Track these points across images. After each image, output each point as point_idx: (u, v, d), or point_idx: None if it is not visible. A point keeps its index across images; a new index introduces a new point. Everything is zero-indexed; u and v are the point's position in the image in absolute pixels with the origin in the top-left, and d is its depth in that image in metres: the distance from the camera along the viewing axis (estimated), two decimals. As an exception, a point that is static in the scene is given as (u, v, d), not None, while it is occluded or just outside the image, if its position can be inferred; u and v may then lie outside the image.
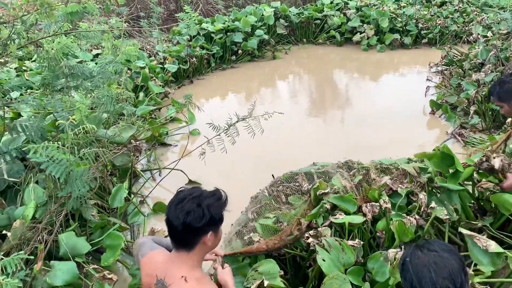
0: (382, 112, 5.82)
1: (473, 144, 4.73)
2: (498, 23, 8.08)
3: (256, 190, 3.38)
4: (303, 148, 4.96)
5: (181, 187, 1.75)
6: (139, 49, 7.55)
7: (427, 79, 6.63)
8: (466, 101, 5.43)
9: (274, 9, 8.98)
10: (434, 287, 1.32)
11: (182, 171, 4.35)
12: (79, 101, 3.40)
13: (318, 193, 2.60)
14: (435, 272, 1.33)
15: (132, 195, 4.05)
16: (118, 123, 4.28)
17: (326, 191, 2.56)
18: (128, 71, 6.35)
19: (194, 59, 7.44)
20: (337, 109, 6.33)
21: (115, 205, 3.49)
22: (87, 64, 5.96)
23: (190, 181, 4.37)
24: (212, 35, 8.09)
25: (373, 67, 8.07)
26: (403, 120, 5.58)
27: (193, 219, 1.58)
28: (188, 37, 7.93)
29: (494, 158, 2.49)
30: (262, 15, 8.76)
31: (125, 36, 5.11)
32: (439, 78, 6.81)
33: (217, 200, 1.66)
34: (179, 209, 1.60)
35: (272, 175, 3.56)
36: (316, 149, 4.89)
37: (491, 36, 7.30)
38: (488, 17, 8.69)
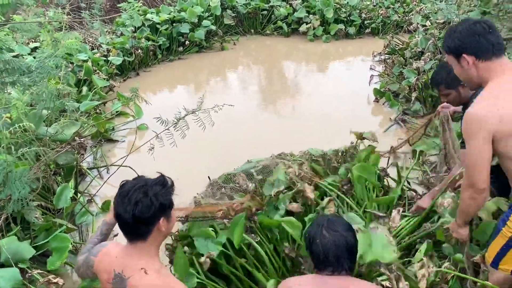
0: (329, 102, 5.95)
1: (415, 129, 4.94)
2: (435, 13, 8.47)
3: (205, 182, 3.36)
4: (256, 140, 4.97)
5: (123, 180, 1.72)
6: (81, 41, 7.24)
7: (371, 68, 6.86)
8: (408, 88, 5.66)
9: (220, -1, 8.89)
10: (337, 259, 1.72)
11: (130, 168, 4.23)
12: (15, 97, 3.22)
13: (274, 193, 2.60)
14: (338, 248, 1.72)
15: (79, 194, 3.89)
16: (60, 120, 4.09)
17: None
18: (70, 65, 6.08)
19: (139, 50, 7.23)
20: (286, 100, 6.40)
21: (61, 205, 3.35)
22: (24, 58, 5.63)
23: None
24: (158, 26, 7.89)
25: (320, 57, 8.23)
26: (349, 108, 5.73)
27: (142, 209, 1.56)
28: (132, 28, 7.69)
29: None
30: (209, 5, 8.65)
31: (65, 29, 4.87)
32: (382, 66, 7.06)
33: (163, 186, 1.64)
34: (126, 202, 1.57)
35: (208, 177, 3.47)
36: (267, 141, 4.90)
37: (430, 26, 7.64)
38: (426, 7, 9.09)
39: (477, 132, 1.75)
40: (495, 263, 1.91)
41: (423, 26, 7.86)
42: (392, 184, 3.50)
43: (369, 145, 3.28)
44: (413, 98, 5.38)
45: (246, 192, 2.67)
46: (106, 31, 8.24)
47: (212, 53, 8.37)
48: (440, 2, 8.00)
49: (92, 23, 7.64)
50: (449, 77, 2.78)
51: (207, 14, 8.55)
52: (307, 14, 9.15)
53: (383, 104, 5.79)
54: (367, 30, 9.07)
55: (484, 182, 1.81)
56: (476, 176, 1.81)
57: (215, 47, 8.56)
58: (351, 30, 8.97)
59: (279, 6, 9.30)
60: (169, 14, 8.18)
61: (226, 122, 5.00)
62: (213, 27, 8.33)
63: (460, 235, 2.10)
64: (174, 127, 3.39)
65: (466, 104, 2.71)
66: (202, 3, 8.63)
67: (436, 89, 3.10)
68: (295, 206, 2.46)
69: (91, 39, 7.67)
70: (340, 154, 3.19)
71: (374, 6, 9.55)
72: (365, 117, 5.58)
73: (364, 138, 3.25)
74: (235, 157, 4.24)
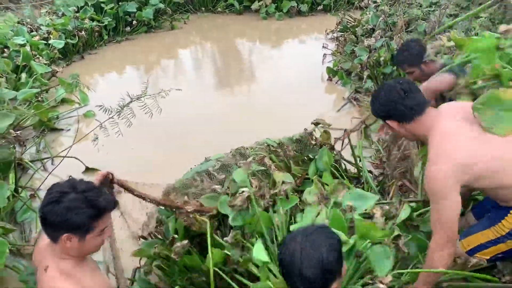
0: (284, 82, 5.89)
1: (367, 108, 4.99)
2: (385, -11, 8.54)
3: (159, 175, 3.19)
4: (210, 125, 4.80)
5: (30, 188, 1.63)
6: (18, 23, 6.75)
7: (323, 47, 6.83)
8: (360, 66, 5.68)
9: (168, -24, 8.52)
10: (288, 275, 1.43)
11: (76, 158, 4.01)
12: None
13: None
14: (291, 263, 1.41)
15: (21, 190, 3.65)
16: (-5, 111, 3.78)
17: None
18: (5, 49, 5.65)
19: (83, 32, 6.83)
20: (241, 82, 6.25)
21: (-2, 205, 3.10)
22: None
23: (88, 169, 4.05)
24: (102, 5, 7.46)
25: (273, 35, 8.11)
26: (304, 88, 5.69)
27: (49, 212, 1.48)
28: (74, 8, 7.22)
29: None
30: (156, -18, 8.27)
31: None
32: (335, 44, 7.05)
33: (85, 205, 1.50)
34: (46, 197, 1.51)
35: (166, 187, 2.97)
36: (223, 127, 4.73)
37: (380, 2, 7.69)
38: (376, -17, 9.14)
39: (446, 190, 1.75)
40: (472, 252, 1.96)
41: (374, 2, 7.89)
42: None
43: (324, 131, 3.23)
44: (365, 77, 5.41)
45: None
46: (46, 11, 7.72)
47: (162, 33, 8.06)
48: (390, -22, 8.04)
49: (30, 2, 7.14)
50: (411, 56, 2.89)
51: (154, -9, 8.17)
52: (259, -9, 8.97)
53: (336, 82, 5.80)
54: (320, 7, 9.01)
55: (455, 238, 1.81)
56: (452, 235, 1.78)
57: (165, 27, 8.24)
58: (304, 7, 8.88)
59: (230, -17, 9.05)
60: (114, -8, 7.75)
61: (179, 107, 4.84)
62: (162, 6, 7.99)
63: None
64: (118, 115, 3.19)
65: None
66: (150, -20, 8.24)
67: (400, 67, 3.17)
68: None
69: (29, 20, 7.14)
70: (295, 141, 3.12)
71: (326, -18, 9.49)
72: (320, 96, 5.57)
73: (318, 124, 3.20)
74: (190, 149, 4.13)
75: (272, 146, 2.95)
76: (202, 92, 5.73)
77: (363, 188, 3.21)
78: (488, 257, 1.94)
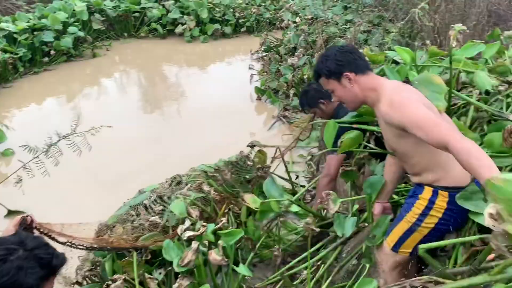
0: (214, 104, 5.91)
1: (296, 124, 5.16)
2: (303, 9, 8.96)
3: (91, 213, 3.05)
4: (141, 155, 4.67)
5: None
6: None
7: (250, 67, 6.98)
8: (286, 84, 5.88)
9: (86, 3, 8.27)
10: None
11: (-3, 202, 3.72)
12: None
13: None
14: None
15: None
16: None
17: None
18: None
19: (-5, 65, 6.40)
20: (171, 108, 6.16)
21: None
22: None
23: (11, 212, 3.76)
24: (16, 35, 7.06)
25: (200, 58, 8.16)
26: (234, 109, 5.76)
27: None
28: (-16, 40, 6.77)
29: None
30: (74, 10, 8.00)
31: None
32: (260, 64, 7.24)
33: (36, 264, 1.36)
34: None
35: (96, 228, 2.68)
36: (155, 156, 4.62)
37: (299, 22, 8.05)
38: (295, 3, 9.56)
39: (420, 106, 1.78)
40: (396, 247, 2.03)
41: (294, 22, 8.25)
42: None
43: (259, 151, 3.29)
44: (291, 94, 5.60)
45: (155, 226, 2.41)
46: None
47: (84, 61, 7.78)
48: (306, -1, 8.48)
49: None
50: (307, 99, 3.04)
51: (72, 19, 7.90)
52: (181, 15, 9.00)
53: (265, 101, 5.94)
54: (243, 29, 9.25)
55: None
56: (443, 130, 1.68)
57: (86, 55, 7.97)
58: (227, 29, 9.05)
59: (151, 7, 8.99)
60: (28, 22, 7.39)
61: (107, 143, 4.65)
62: (81, 33, 7.73)
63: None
64: (45, 154, 3.02)
65: (333, 117, 2.85)
66: (66, 8, 7.95)
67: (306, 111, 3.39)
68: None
69: None
70: (230, 164, 3.13)
71: (247, 4, 9.77)
72: (250, 116, 5.67)
73: (254, 146, 3.26)
74: (124, 185, 3.97)
75: (209, 171, 2.95)
76: (130, 121, 5.56)
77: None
78: (409, 250, 2.00)
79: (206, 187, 2.65)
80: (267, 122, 5.40)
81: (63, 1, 8.36)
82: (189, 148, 4.72)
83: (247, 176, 3.20)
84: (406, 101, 1.80)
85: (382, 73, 3.61)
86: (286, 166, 3.57)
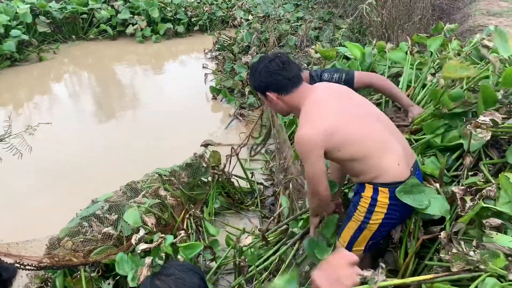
0: (169, 105, 5.84)
1: (253, 121, 5.19)
2: (255, 7, 9.00)
3: (41, 226, 2.92)
4: (94, 161, 4.50)
5: None
6: None
7: (204, 67, 6.94)
8: (241, 83, 5.89)
9: (30, 5, 7.93)
10: None
11: None
12: None
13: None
14: None
15: None
16: None
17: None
18: None
19: None
20: (125, 111, 6.01)
21: None
22: None
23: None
24: (-48, 40, 6.67)
25: (152, 59, 8.02)
26: (190, 109, 5.72)
27: None
28: None
29: None
30: (16, 12, 7.64)
31: None
32: (215, 63, 7.21)
33: None
34: None
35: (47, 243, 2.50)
36: (109, 162, 4.49)
37: (252, 20, 8.08)
38: (247, 1, 9.58)
39: (310, 151, 1.91)
40: (349, 247, 2.07)
41: (246, 20, 8.28)
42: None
43: (213, 151, 3.29)
44: (246, 92, 5.63)
45: (108, 238, 2.31)
46: None
47: (29, 66, 7.45)
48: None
49: None
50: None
51: (15, 22, 7.54)
52: (131, 15, 8.80)
53: (221, 100, 5.93)
54: (196, 28, 9.17)
55: (325, 190, 2.03)
56: (318, 187, 2.01)
57: (32, 59, 7.63)
58: (180, 28, 8.95)
59: (100, 8, 8.73)
60: (-34, 25, 6.98)
61: (55, 145, 4.52)
62: (26, 37, 7.40)
63: (312, 223, 2.30)
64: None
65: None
66: (7, 10, 7.58)
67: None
68: None
69: None
70: (185, 167, 3.11)
71: (199, 3, 9.69)
72: (207, 116, 5.63)
73: (208, 145, 3.25)
74: (76, 194, 3.83)
75: (165, 175, 2.90)
76: (82, 125, 5.39)
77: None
78: (362, 248, 2.05)
79: (162, 192, 2.60)
80: (223, 121, 5.40)
81: (4, 3, 7.95)
82: (145, 151, 4.64)
83: (203, 178, 3.19)
84: (300, 141, 1.95)
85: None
86: (241, 164, 3.60)
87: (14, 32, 7.27)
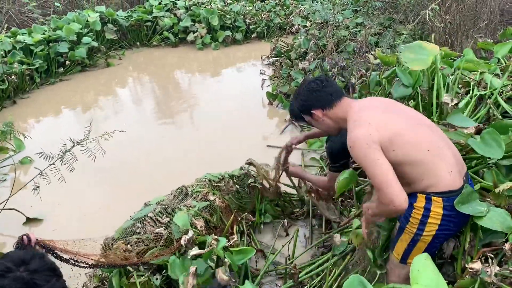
0: (226, 110, 5.96)
1: (308, 128, 5.16)
2: (313, 13, 8.97)
3: (116, 216, 3.10)
4: (152, 163, 4.71)
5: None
6: None
7: (261, 73, 7.02)
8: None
9: (99, 13, 8.44)
10: None
11: (16, 210, 3.79)
12: None
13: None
14: None
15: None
16: None
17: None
18: None
19: (13, 76, 6.54)
20: (184, 115, 6.19)
21: None
22: None
23: (29, 219, 3.84)
24: (32, 47, 7.22)
25: (211, 65, 8.22)
26: (246, 114, 5.80)
27: None
28: (1, 52, 6.93)
29: None
30: (87, 21, 8.16)
31: None
32: (272, 69, 7.27)
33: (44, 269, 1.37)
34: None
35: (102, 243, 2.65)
36: (166, 164, 4.67)
37: (310, 26, 8.06)
38: (305, 8, 9.57)
39: (368, 148, 1.84)
40: (404, 259, 2.03)
41: (304, 27, 8.26)
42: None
43: (259, 168, 3.24)
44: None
45: (159, 239, 2.38)
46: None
47: (97, 71, 7.92)
48: (316, 3, 8.49)
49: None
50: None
51: (86, 30, 8.05)
52: (192, 23, 9.09)
53: (277, 106, 5.96)
54: (254, 35, 9.30)
55: (400, 195, 1.76)
56: (390, 192, 1.77)
57: (100, 64, 8.11)
58: (238, 35, 9.12)
59: (163, 16, 9.11)
60: (44, 34, 7.54)
61: (118, 148, 4.73)
62: (95, 44, 7.88)
63: (368, 223, 2.16)
64: (60, 161, 3.09)
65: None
66: (80, 19, 8.11)
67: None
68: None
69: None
70: (231, 177, 3.13)
71: (257, 10, 9.82)
72: (263, 121, 5.69)
73: (251, 164, 3.24)
74: (132, 192, 4.05)
75: (214, 181, 2.95)
76: (141, 129, 5.63)
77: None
78: None
79: (211, 197, 2.65)
80: (279, 126, 5.42)
81: (76, 12, 8.53)
82: (199, 155, 4.77)
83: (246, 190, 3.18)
84: (354, 142, 1.90)
85: (394, 75, 3.62)
86: (291, 180, 3.52)
87: (85, 39, 7.76)
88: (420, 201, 1.88)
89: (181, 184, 3.10)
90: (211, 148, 4.94)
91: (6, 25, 8.24)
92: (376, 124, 1.89)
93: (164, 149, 5.03)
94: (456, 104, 2.61)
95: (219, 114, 5.87)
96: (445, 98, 2.64)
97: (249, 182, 3.10)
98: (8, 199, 3.65)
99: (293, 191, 3.61)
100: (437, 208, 1.85)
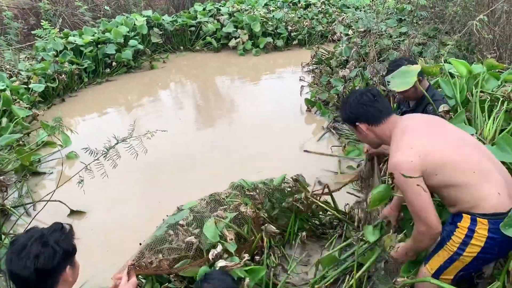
0: (265, 115, 6.01)
1: (346, 136, 5.13)
2: (356, 22, 8.89)
3: (151, 215, 3.20)
4: (190, 165, 4.82)
5: (13, 236, 1.64)
6: (-4, 69, 6.78)
7: (300, 79, 7.03)
8: (336, 96, 5.87)
9: (146, 18, 8.75)
10: None
11: (61, 202, 3.98)
12: None
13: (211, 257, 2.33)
14: None
15: (4, 237, 3.59)
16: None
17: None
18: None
19: (63, 75, 6.88)
20: (223, 118, 6.31)
21: (-23, 256, 3.04)
22: None
23: (72, 212, 4.02)
24: (82, 48, 7.58)
25: (252, 71, 8.32)
26: (284, 120, 5.83)
27: (45, 260, 1.49)
28: (54, 52, 7.31)
29: None
30: (134, 24, 8.48)
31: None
32: (311, 76, 7.27)
33: (62, 233, 1.61)
34: (24, 257, 1.49)
35: (140, 243, 2.70)
36: (203, 167, 4.75)
37: (352, 34, 8.00)
38: (347, 16, 9.51)
39: (413, 174, 1.82)
40: (437, 275, 1.96)
41: (346, 35, 8.20)
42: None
43: (302, 186, 3.19)
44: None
45: (190, 249, 2.43)
46: (25, 57, 7.79)
47: (142, 73, 8.19)
48: (360, 11, 8.43)
49: (9, 49, 7.20)
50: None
51: (133, 33, 8.36)
52: (235, 29, 9.24)
53: (315, 113, 5.95)
54: (295, 42, 9.33)
55: (437, 224, 1.86)
56: (428, 221, 1.85)
57: (144, 67, 8.39)
58: (279, 42, 9.18)
59: (207, 22, 9.31)
60: (93, 35, 7.90)
61: (157, 148, 4.86)
62: (141, 46, 8.16)
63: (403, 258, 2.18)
64: (104, 157, 3.23)
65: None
66: (127, 22, 8.44)
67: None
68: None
69: (8, 66, 7.17)
70: (267, 188, 3.11)
71: (299, 18, 9.85)
72: (300, 127, 5.69)
73: (297, 181, 3.19)
74: (169, 192, 4.19)
75: (247, 189, 2.96)
76: (182, 130, 5.77)
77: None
78: (451, 277, 1.94)
79: (243, 208, 2.64)
80: (316, 133, 5.41)
81: (125, 16, 8.87)
82: (236, 159, 4.84)
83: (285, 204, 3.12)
84: (395, 168, 1.88)
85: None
86: (332, 197, 3.41)
87: (131, 42, 8.06)
88: (465, 222, 1.83)
89: (215, 187, 3.17)
90: (247, 152, 5.00)
91: (60, 26, 8.66)
92: (419, 149, 1.86)
93: (201, 152, 5.14)
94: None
95: (257, 119, 5.93)
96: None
97: (290, 200, 3.03)
98: (54, 191, 3.84)
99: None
100: (482, 230, 1.79)
